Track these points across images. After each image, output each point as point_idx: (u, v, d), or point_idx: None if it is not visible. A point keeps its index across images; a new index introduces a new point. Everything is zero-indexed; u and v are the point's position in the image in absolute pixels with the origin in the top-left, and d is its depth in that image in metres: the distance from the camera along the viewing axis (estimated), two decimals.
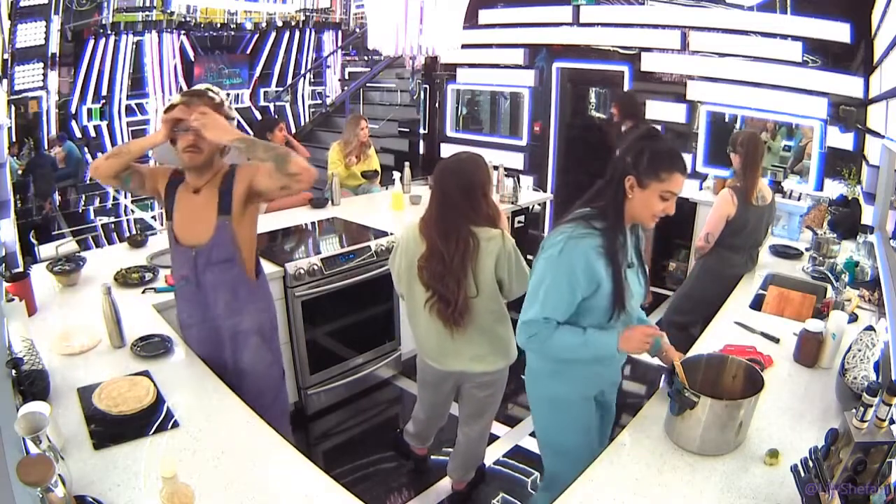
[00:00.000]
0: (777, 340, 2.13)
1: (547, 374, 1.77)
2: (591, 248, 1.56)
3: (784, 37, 4.39)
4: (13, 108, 9.17)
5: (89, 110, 11.07)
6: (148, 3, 11.34)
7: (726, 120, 4.92)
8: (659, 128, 1.56)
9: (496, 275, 2.07)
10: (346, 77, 11.14)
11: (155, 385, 1.73)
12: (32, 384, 1.60)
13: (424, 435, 2.67)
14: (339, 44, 13.37)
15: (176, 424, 1.58)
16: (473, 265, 2.03)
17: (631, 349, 1.62)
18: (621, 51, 5.36)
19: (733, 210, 2.80)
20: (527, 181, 4.91)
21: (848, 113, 4.01)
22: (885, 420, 1.18)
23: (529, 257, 2.32)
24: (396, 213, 3.87)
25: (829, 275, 2.70)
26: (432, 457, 2.80)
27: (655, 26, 5.10)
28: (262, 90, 13.29)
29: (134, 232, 7.09)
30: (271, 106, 13.09)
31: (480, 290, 2.06)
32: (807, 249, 3.12)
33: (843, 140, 4.14)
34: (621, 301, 1.61)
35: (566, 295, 1.58)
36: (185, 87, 11.99)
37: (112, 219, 7.89)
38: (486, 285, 2.07)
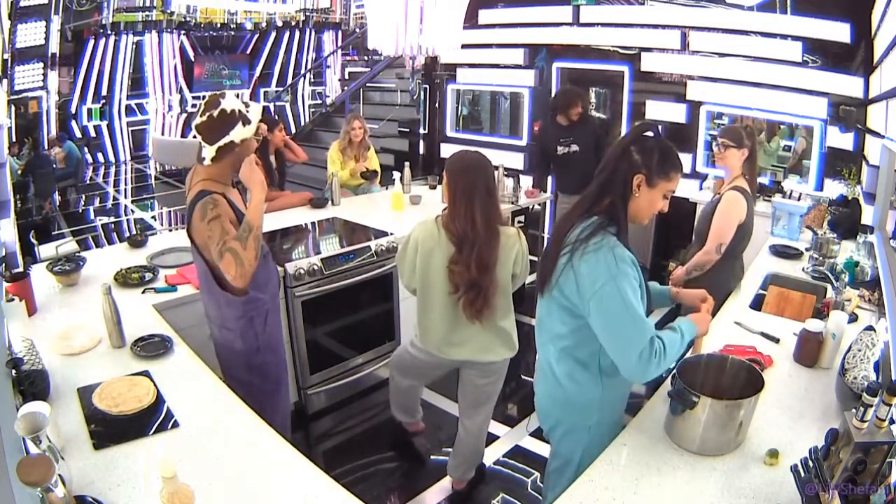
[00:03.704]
0: (777, 340, 2.13)
1: (598, 402, 1.62)
2: (627, 254, 1.50)
3: (784, 37, 4.40)
4: (13, 108, 9.18)
5: (89, 110, 11.09)
6: (148, 3, 11.35)
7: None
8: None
9: (512, 270, 2.18)
10: (346, 77, 11.13)
11: (155, 385, 1.73)
12: (32, 384, 1.60)
13: (410, 405, 2.71)
14: (339, 44, 13.39)
15: (176, 424, 1.58)
16: (495, 259, 2.11)
17: (705, 329, 1.64)
18: (621, 51, 5.36)
19: (744, 214, 2.55)
20: (527, 181, 4.93)
21: (848, 113, 4.01)
22: (885, 420, 1.18)
23: (532, 258, 2.34)
24: (396, 213, 3.87)
25: (829, 275, 2.69)
26: (432, 457, 2.80)
27: (655, 26, 5.11)
28: (262, 90, 13.32)
29: (134, 232, 7.08)
30: (271, 106, 13.09)
31: (500, 284, 2.15)
32: (807, 249, 3.12)
33: (843, 140, 4.15)
34: (650, 302, 1.59)
35: (640, 302, 1.49)
36: (185, 87, 11.98)
37: (112, 219, 7.88)
38: (504, 280, 2.17)
